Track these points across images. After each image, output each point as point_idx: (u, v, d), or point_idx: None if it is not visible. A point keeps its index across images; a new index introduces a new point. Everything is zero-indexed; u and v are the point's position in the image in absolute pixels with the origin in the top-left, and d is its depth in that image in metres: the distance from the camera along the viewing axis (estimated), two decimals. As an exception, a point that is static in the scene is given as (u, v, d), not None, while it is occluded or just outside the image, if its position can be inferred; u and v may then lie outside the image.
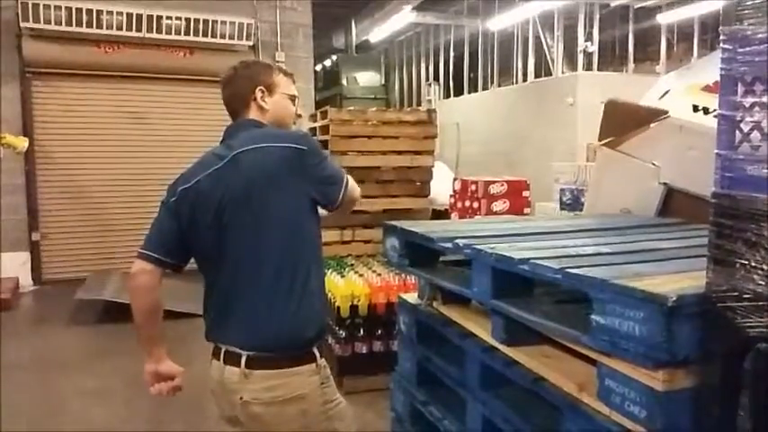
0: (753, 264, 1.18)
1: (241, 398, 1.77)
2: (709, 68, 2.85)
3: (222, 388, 1.81)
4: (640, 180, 2.66)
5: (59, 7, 6.91)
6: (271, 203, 1.77)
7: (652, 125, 2.59)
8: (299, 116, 2.04)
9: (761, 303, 1.16)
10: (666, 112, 2.55)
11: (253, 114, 1.93)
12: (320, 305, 1.89)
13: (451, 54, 13.85)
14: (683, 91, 2.73)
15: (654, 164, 2.61)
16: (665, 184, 2.58)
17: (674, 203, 2.55)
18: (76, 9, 6.96)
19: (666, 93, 2.80)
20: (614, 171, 2.87)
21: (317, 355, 1.83)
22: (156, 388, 1.91)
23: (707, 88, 2.61)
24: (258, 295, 1.78)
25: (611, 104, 2.87)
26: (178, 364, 1.94)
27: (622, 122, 2.75)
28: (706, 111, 2.47)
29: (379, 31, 13.11)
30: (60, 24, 6.95)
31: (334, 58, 14.96)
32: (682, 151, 2.48)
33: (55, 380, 4.37)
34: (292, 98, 2.01)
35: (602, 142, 2.86)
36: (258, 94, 1.92)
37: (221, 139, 1.92)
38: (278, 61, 7.63)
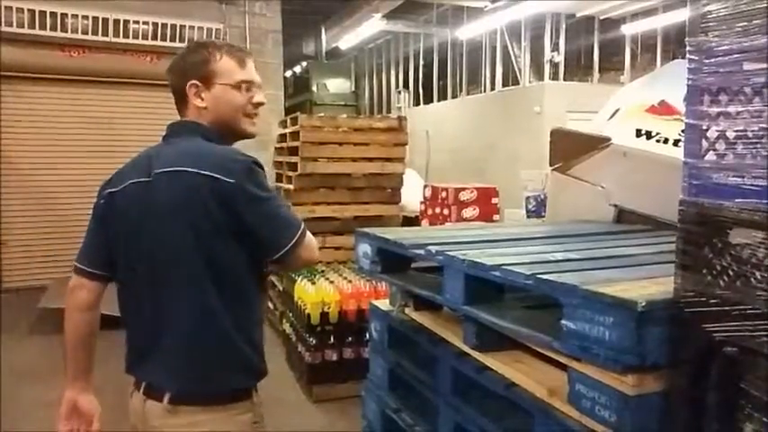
0: (719, 269, 1.21)
1: None
2: (656, 85, 2.97)
3: (143, 423, 1.59)
4: (592, 201, 2.74)
5: (22, 9, 6.76)
6: (184, 237, 1.51)
7: (597, 152, 2.67)
8: (261, 104, 1.67)
9: (727, 308, 1.18)
10: (609, 139, 2.63)
11: (192, 114, 1.63)
12: (257, 342, 1.65)
13: (421, 62, 13.92)
14: (629, 112, 2.81)
15: (602, 186, 2.68)
16: (615, 205, 2.65)
17: (627, 220, 2.63)
18: (40, 12, 6.83)
19: (616, 112, 2.89)
20: (567, 193, 2.96)
21: (254, 391, 1.64)
22: (66, 426, 1.67)
23: (651, 109, 2.70)
24: (183, 329, 1.54)
25: (557, 133, 2.98)
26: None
27: (569, 149, 2.84)
28: (649, 135, 2.55)
29: (349, 39, 13.10)
30: (23, 27, 6.80)
31: (304, 64, 14.93)
32: (627, 175, 2.57)
33: (16, 391, 4.25)
34: (239, 85, 1.62)
35: (553, 167, 2.94)
36: (191, 91, 1.60)
37: (165, 134, 1.69)
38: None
